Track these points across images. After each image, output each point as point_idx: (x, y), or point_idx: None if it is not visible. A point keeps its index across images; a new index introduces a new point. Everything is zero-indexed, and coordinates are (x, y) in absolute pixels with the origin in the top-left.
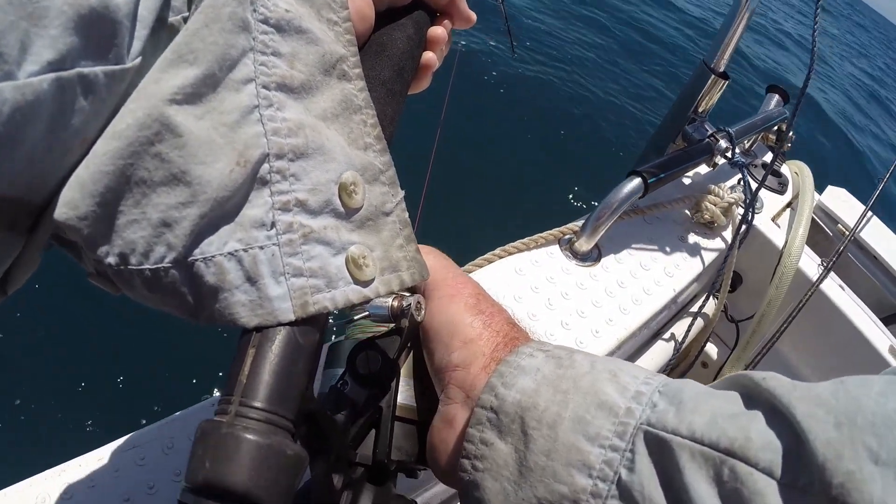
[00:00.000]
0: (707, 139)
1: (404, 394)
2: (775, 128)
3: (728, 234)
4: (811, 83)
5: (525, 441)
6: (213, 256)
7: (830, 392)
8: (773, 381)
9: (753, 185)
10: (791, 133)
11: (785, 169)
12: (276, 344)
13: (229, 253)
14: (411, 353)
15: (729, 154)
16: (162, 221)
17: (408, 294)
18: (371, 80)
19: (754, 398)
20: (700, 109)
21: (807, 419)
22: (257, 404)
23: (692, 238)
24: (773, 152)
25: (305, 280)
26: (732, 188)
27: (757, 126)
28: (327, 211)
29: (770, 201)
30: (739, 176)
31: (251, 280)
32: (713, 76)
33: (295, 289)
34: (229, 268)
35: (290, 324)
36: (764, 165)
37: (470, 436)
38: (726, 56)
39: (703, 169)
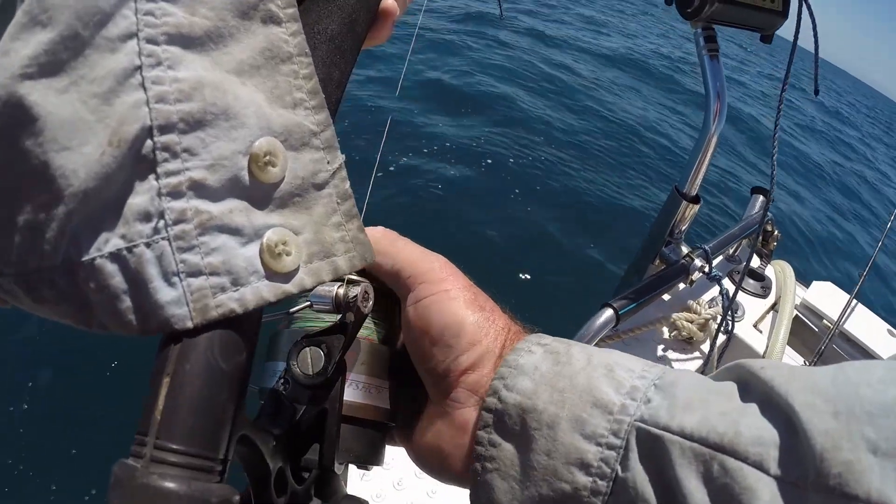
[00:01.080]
0: (682, 260)
1: (352, 390)
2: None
3: (707, 347)
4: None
5: (527, 441)
6: (92, 260)
7: (829, 379)
8: (770, 370)
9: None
10: (776, 232)
11: (770, 270)
12: (195, 372)
13: (111, 253)
14: (359, 345)
15: (706, 269)
16: (30, 225)
17: (360, 279)
18: (315, 34)
19: (751, 389)
20: (675, 232)
21: (805, 409)
22: (175, 446)
23: (671, 356)
24: (758, 255)
25: (205, 279)
26: (713, 300)
27: (735, 236)
28: (233, 191)
29: (752, 307)
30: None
31: (137, 284)
32: (685, 201)
33: (192, 290)
34: (111, 271)
35: (195, 331)
36: (749, 272)
37: (479, 438)
38: (697, 181)
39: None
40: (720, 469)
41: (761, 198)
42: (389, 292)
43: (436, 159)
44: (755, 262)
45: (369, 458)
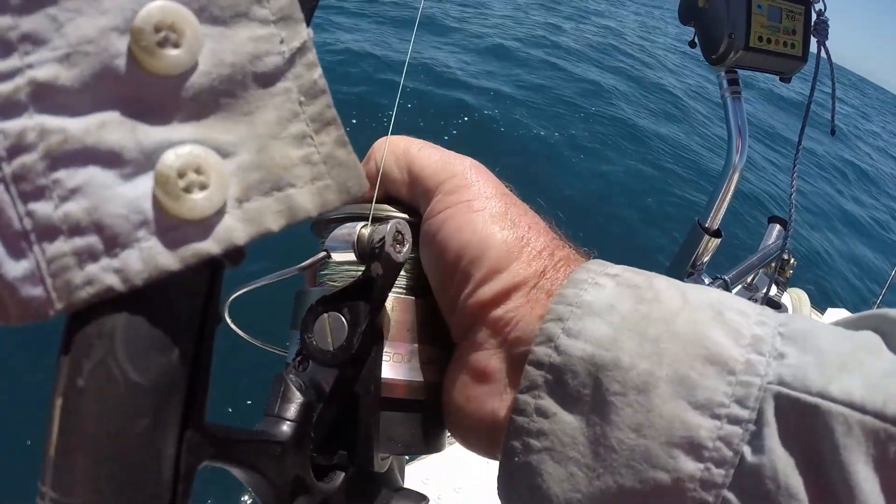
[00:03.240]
0: None
1: (392, 365)
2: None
3: None
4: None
5: (603, 411)
6: None
7: None
8: None
9: None
10: (792, 260)
11: (786, 297)
12: (92, 393)
13: None
14: (402, 300)
15: None
16: None
17: (392, 213)
18: None
19: None
20: (697, 264)
21: None
22: (76, 501)
23: None
24: (774, 283)
25: (63, 242)
26: None
27: (754, 265)
28: (104, 93)
29: None
30: None
31: None
32: (706, 235)
33: (48, 259)
34: None
35: (86, 316)
36: (768, 301)
37: (522, 404)
38: (719, 216)
39: None
40: None
41: (778, 227)
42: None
43: None
44: (772, 290)
45: (423, 446)
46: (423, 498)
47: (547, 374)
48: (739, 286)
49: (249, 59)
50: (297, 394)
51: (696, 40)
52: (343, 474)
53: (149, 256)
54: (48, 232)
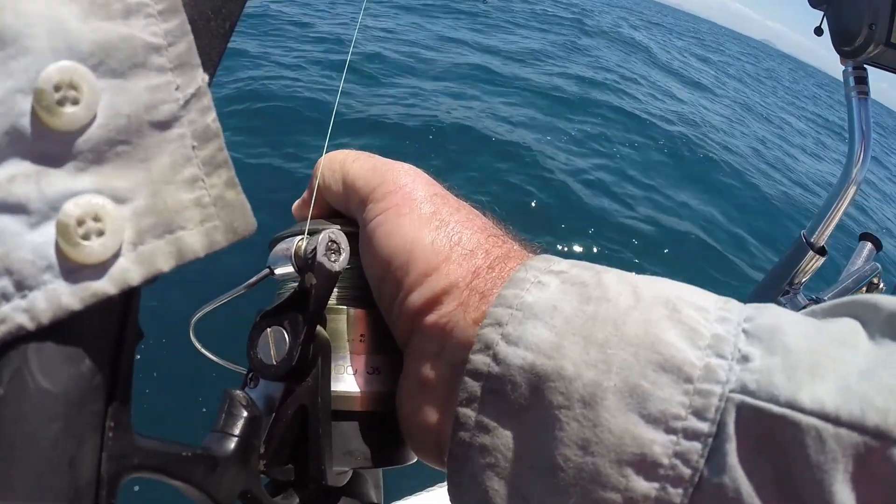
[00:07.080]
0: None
1: (343, 378)
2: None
3: None
4: None
5: (547, 426)
6: None
7: None
8: None
9: None
10: (882, 285)
11: None
12: (7, 398)
13: None
14: (354, 311)
15: None
16: None
17: (328, 224)
18: None
19: (887, 330)
20: (795, 281)
21: None
22: None
23: None
24: None
25: None
26: None
27: (849, 289)
28: (12, 148)
29: None
30: None
31: None
32: (811, 252)
33: None
34: None
35: (20, 341)
36: None
37: (462, 418)
38: (827, 232)
39: None
40: (883, 468)
41: (870, 245)
42: None
43: None
44: None
45: (384, 457)
46: None
47: (486, 386)
48: None
49: (145, 109)
50: (242, 409)
51: (825, 27)
52: (299, 492)
53: (53, 297)
54: None
